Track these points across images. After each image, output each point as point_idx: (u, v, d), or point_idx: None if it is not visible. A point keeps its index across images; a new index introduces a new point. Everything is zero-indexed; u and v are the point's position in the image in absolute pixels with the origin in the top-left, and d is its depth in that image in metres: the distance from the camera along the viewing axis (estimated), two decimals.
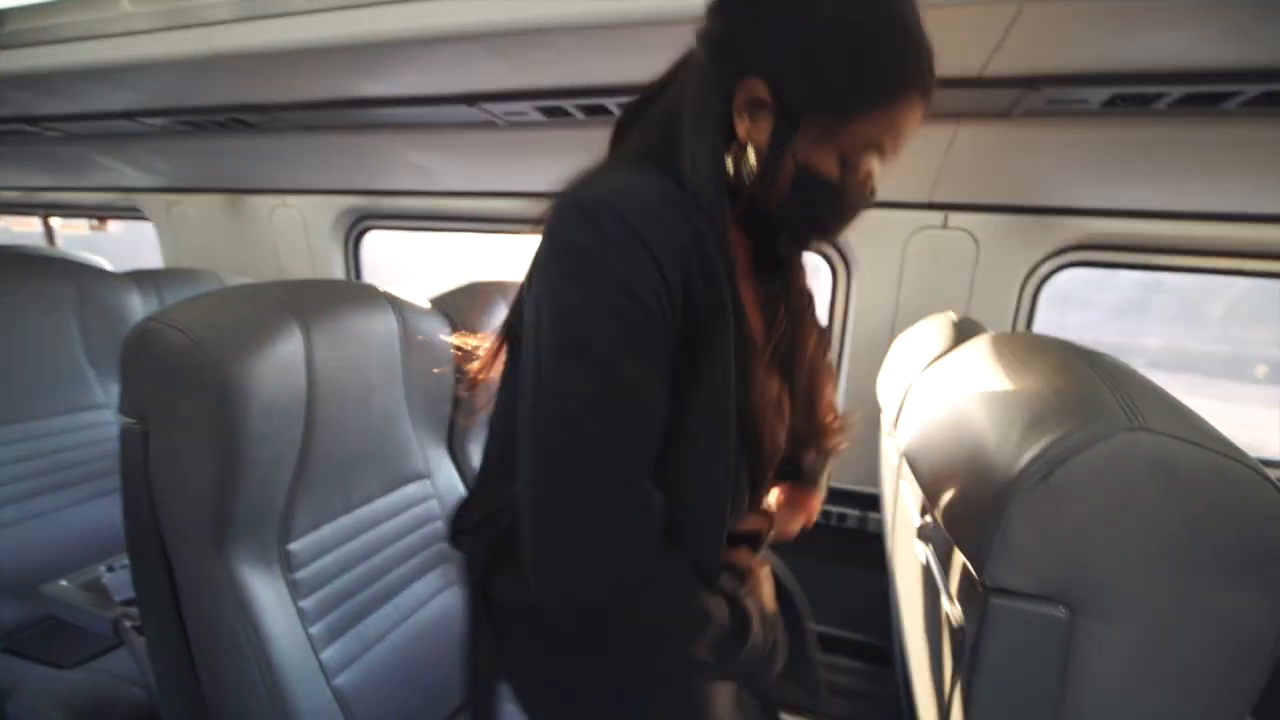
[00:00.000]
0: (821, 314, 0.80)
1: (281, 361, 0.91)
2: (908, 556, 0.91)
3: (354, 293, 1.10)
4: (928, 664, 0.81)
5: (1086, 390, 0.54)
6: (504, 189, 1.86)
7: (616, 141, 0.66)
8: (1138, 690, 0.51)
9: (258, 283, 1.00)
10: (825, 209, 0.60)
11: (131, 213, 2.65)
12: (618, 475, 0.51)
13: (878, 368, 1.35)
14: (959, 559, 0.62)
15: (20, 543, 1.41)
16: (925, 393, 0.92)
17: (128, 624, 1.08)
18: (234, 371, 0.84)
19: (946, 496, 0.67)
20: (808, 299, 0.72)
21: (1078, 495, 0.48)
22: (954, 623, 0.62)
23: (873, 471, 1.49)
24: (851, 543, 1.77)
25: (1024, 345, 0.71)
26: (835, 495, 1.75)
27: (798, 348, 0.70)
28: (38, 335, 1.54)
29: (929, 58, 0.56)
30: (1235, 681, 0.49)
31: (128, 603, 1.09)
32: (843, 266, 1.74)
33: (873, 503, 1.72)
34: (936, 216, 1.54)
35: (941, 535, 0.73)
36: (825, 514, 1.76)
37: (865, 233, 1.62)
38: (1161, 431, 0.47)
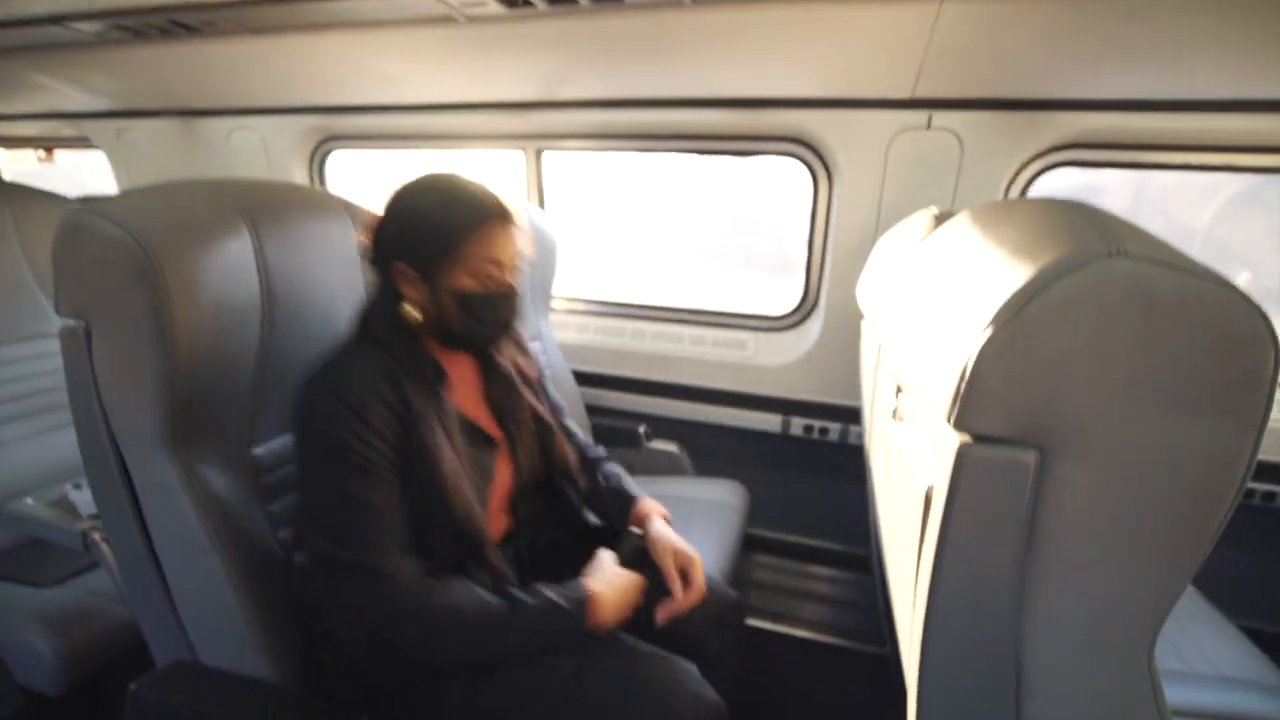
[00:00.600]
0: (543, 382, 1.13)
1: (229, 258, 0.86)
2: (884, 452, 0.90)
3: (305, 196, 1.04)
4: (900, 543, 0.81)
5: (1065, 226, 0.51)
6: (471, 99, 1.77)
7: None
8: (1105, 532, 0.50)
9: (197, 179, 0.94)
10: (485, 310, 0.89)
11: (81, 142, 2.51)
12: (354, 561, 0.78)
13: (859, 277, 1.32)
14: (931, 421, 0.61)
15: None
16: (903, 277, 0.89)
17: (97, 536, 1.07)
18: (175, 263, 0.79)
19: (920, 362, 0.65)
20: (511, 380, 1.02)
21: (1052, 328, 0.46)
22: (925, 489, 0.61)
23: (854, 386, 1.48)
24: (833, 456, 1.78)
25: (1003, 207, 0.68)
26: (817, 409, 1.75)
27: (513, 419, 1.00)
28: None
29: (480, 207, 0.87)
30: (1200, 519, 0.48)
31: (97, 516, 1.07)
32: (824, 175, 1.68)
33: (854, 416, 1.72)
34: (920, 117, 1.48)
35: (914, 405, 0.71)
36: (807, 428, 1.77)
37: (846, 138, 1.56)
38: (1140, 257, 0.45)
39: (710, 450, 1.88)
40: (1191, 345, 0.44)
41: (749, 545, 1.86)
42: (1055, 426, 0.48)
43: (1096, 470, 0.48)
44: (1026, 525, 0.51)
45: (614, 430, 1.87)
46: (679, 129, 1.72)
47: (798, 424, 1.77)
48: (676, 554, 0.98)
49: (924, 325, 0.66)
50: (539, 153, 1.91)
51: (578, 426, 1.22)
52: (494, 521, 0.97)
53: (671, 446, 1.86)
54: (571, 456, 1.08)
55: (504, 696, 0.84)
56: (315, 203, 1.03)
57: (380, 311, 0.89)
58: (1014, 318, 0.47)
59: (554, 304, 2.05)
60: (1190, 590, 1.46)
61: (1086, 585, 0.52)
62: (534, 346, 1.71)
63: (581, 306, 2.04)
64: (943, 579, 0.56)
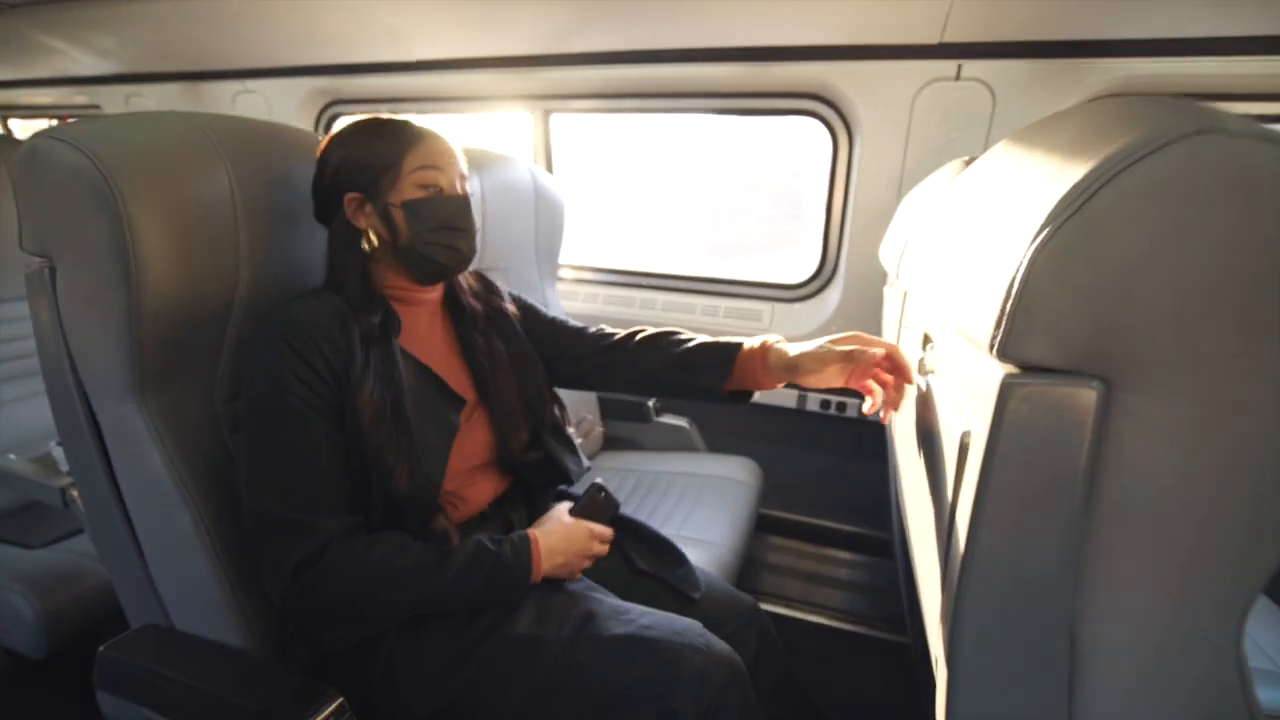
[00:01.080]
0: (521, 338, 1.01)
1: (202, 192, 0.80)
2: (909, 421, 0.81)
3: (288, 136, 0.98)
4: (927, 512, 0.73)
5: (1141, 112, 0.42)
6: (479, 54, 1.69)
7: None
8: (1186, 484, 0.41)
9: (171, 110, 0.88)
10: (435, 215, 0.86)
11: (93, 110, 2.49)
12: (283, 515, 0.74)
13: (881, 242, 1.23)
14: (968, 361, 0.53)
15: None
16: (933, 217, 0.80)
17: (74, 494, 1.03)
18: (140, 192, 0.73)
19: (954, 295, 0.57)
20: (480, 324, 0.98)
21: (1125, 224, 0.38)
22: (959, 437, 0.53)
23: None
24: (852, 432, 1.69)
25: (1057, 116, 0.59)
26: None
27: (488, 363, 0.95)
28: None
29: (413, 127, 0.89)
30: None
31: None
32: (844, 134, 1.59)
33: None
34: (948, 67, 1.37)
35: (945, 351, 0.63)
36: (824, 403, 1.68)
37: (869, 91, 1.46)
38: (1240, 132, 0.36)
39: (722, 425, 1.80)
40: (1270, 251, 0.35)
41: (762, 526, 1.78)
42: (1125, 351, 0.40)
43: (1177, 406, 0.40)
44: (1087, 477, 0.42)
45: (622, 404, 1.80)
46: (691, 86, 1.63)
47: (814, 399, 1.68)
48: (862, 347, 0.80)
49: (959, 255, 0.57)
50: (547, 114, 1.84)
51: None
52: (476, 487, 0.90)
53: (682, 421, 1.79)
54: (559, 411, 1.01)
55: (490, 669, 0.78)
56: (298, 142, 0.97)
57: (338, 250, 0.87)
58: (1076, 214, 0.39)
59: (562, 273, 1.98)
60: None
61: (1161, 552, 0.43)
62: None
63: (590, 275, 1.97)
64: (982, 543, 0.47)
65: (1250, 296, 0.37)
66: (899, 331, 0.97)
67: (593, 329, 1.05)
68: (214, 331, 0.85)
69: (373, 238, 0.86)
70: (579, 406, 1.71)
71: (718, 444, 1.81)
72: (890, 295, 1.10)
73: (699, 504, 1.48)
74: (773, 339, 0.90)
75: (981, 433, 0.46)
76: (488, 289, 1.04)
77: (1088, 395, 0.41)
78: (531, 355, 1.00)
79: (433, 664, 0.78)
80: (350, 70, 1.90)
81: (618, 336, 1.02)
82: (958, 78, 1.37)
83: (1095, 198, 0.38)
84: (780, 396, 1.70)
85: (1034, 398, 0.42)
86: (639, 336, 1.00)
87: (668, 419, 1.80)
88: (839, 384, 0.81)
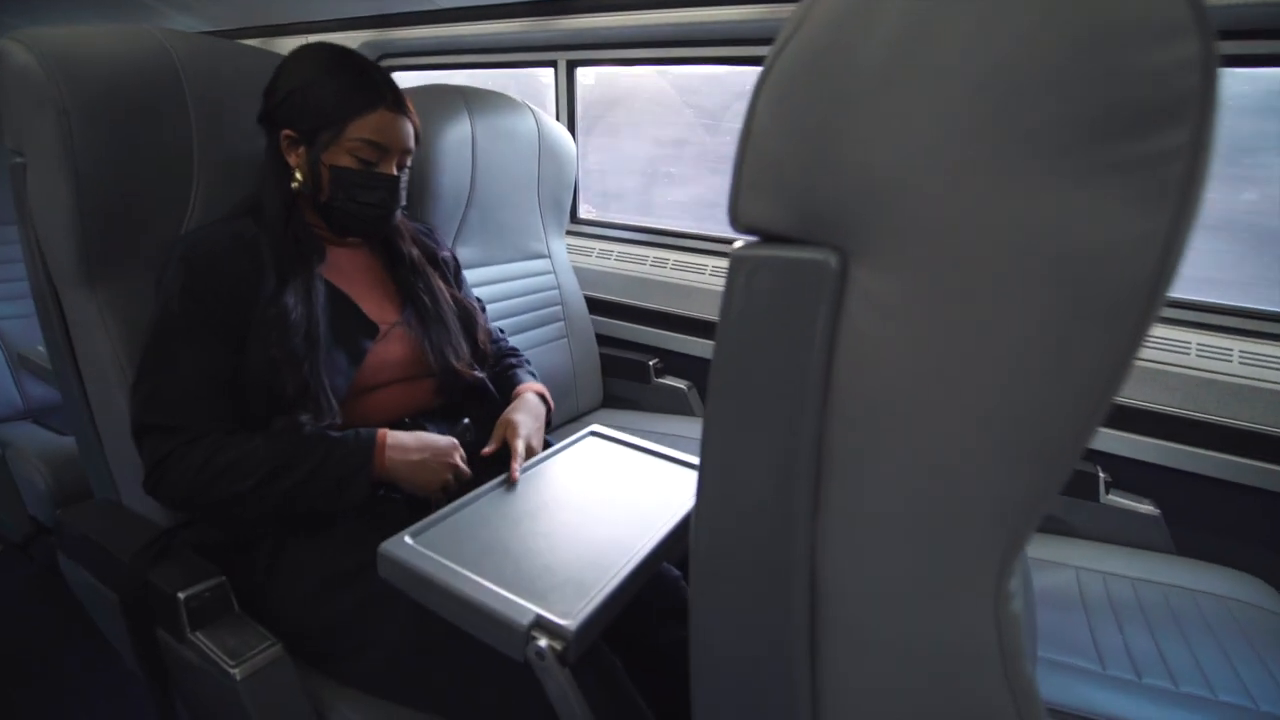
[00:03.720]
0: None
1: (150, 99, 0.86)
2: None
3: (253, 56, 1.02)
4: None
5: None
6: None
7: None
8: (926, 375, 0.33)
9: (140, 25, 0.94)
10: (358, 190, 0.87)
11: None
12: (161, 420, 0.77)
13: None
14: None
15: (31, 334, 1.54)
16: None
17: None
18: (83, 90, 0.79)
19: None
20: (418, 267, 1.01)
21: (843, 49, 0.31)
22: None
23: None
24: None
25: None
26: None
27: (429, 298, 0.98)
28: None
29: (375, 88, 0.86)
30: (1081, 359, 0.30)
31: None
32: None
33: None
34: None
35: None
36: None
37: None
38: None
39: None
40: (1055, 49, 0.27)
41: None
42: (857, 211, 0.33)
43: (908, 279, 0.32)
44: (823, 371, 0.35)
45: (623, 362, 1.78)
46: (709, 32, 1.55)
47: None
48: (508, 426, 0.91)
49: None
50: (570, 66, 1.82)
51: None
52: (390, 398, 0.92)
53: (681, 384, 1.73)
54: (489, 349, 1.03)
55: (365, 605, 0.77)
56: (266, 64, 1.01)
57: (266, 176, 0.89)
58: (790, 38, 0.32)
59: (576, 229, 1.97)
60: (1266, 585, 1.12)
61: (903, 468, 0.34)
62: (541, 264, 1.65)
63: (600, 230, 1.94)
64: (711, 448, 0.41)
65: (1001, 132, 0.29)
66: None
67: (493, 325, 1.14)
68: (167, 231, 0.91)
69: (298, 177, 0.88)
70: (580, 361, 1.70)
71: None
72: None
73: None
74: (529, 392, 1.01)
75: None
76: (431, 239, 1.08)
77: (822, 268, 0.34)
78: (472, 304, 1.05)
79: (303, 581, 0.80)
80: (389, 22, 1.97)
81: (503, 346, 1.14)
82: None
83: (805, 22, 0.32)
84: None
85: (762, 267, 0.36)
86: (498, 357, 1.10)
87: (668, 380, 1.75)
88: None
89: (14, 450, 1.29)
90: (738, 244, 0.37)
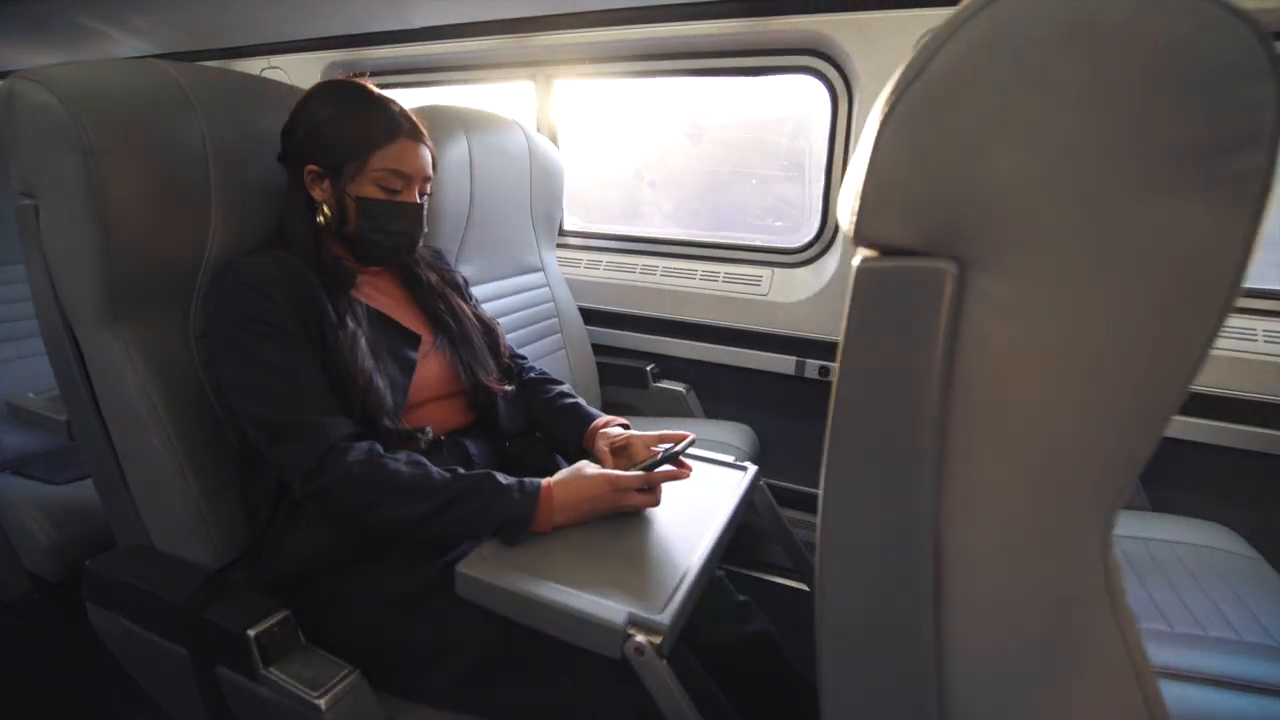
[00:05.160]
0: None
1: (171, 136, 0.85)
2: None
3: (261, 87, 1.02)
4: None
5: None
6: (479, 18, 1.71)
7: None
8: (1042, 368, 0.38)
9: (146, 58, 0.92)
10: (385, 219, 0.90)
11: None
12: (286, 421, 0.77)
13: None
14: None
15: (16, 379, 1.46)
16: None
17: None
18: (106, 130, 0.78)
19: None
20: (439, 290, 1.03)
21: (962, 86, 0.36)
22: None
23: None
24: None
25: None
26: (834, 350, 1.63)
27: (452, 320, 1.00)
28: None
29: (394, 119, 0.89)
30: (1171, 347, 0.36)
31: None
32: (844, 91, 1.54)
33: None
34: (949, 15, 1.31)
35: None
36: (823, 370, 1.65)
37: (867, 44, 1.41)
38: None
39: (719, 392, 1.79)
40: (1155, 90, 0.33)
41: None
42: (977, 226, 0.38)
43: (1027, 282, 0.37)
44: (944, 365, 0.40)
45: (621, 370, 1.81)
46: (688, 45, 1.61)
47: (813, 366, 1.65)
48: (662, 439, 0.93)
49: None
50: (549, 81, 1.84)
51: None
52: (433, 417, 0.93)
53: (679, 387, 1.78)
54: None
55: (443, 618, 0.79)
56: (274, 95, 1.01)
57: (290, 212, 0.91)
58: (913, 82, 0.37)
59: (562, 240, 2.00)
60: (1257, 557, 1.26)
61: (1021, 443, 0.40)
62: (536, 278, 1.67)
63: (589, 241, 1.97)
64: (841, 440, 0.46)
65: (1101, 156, 0.34)
66: None
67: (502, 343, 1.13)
68: (189, 266, 0.90)
69: (326, 211, 0.89)
70: (578, 371, 1.73)
71: (714, 411, 1.80)
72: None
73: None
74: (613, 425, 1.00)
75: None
76: (442, 262, 1.12)
77: (942, 274, 0.39)
78: (493, 321, 1.08)
79: (371, 605, 0.80)
80: (360, 41, 1.96)
81: (524, 363, 1.14)
82: None
83: (931, 63, 0.36)
84: (778, 363, 1.67)
85: (886, 278, 0.41)
86: (526, 376, 1.10)
87: (665, 384, 1.79)
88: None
89: (6, 505, 1.22)
90: (857, 259, 0.42)
